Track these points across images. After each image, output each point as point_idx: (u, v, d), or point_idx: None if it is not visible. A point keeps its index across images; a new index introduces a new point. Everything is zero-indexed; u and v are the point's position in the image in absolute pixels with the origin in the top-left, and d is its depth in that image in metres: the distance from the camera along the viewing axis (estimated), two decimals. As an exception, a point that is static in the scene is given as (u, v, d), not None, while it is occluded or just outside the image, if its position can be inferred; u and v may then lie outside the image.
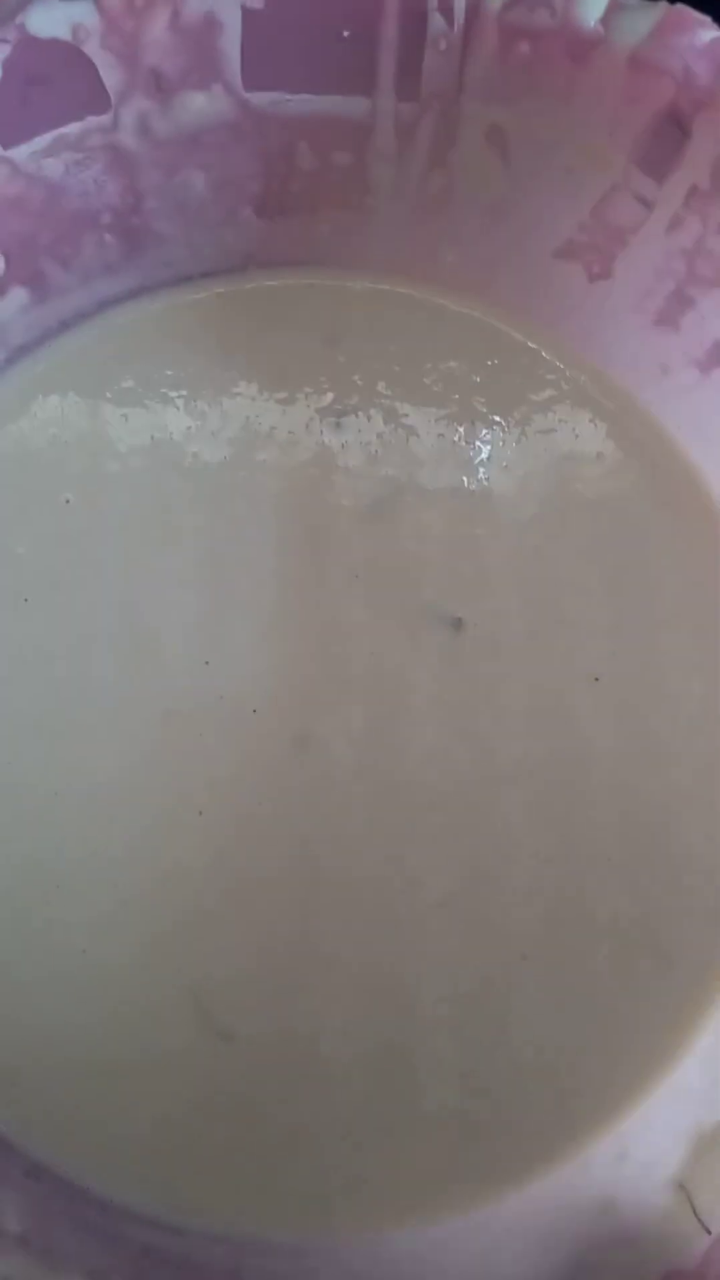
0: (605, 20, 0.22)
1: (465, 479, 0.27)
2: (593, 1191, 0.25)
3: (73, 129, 0.23)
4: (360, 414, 0.27)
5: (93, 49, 0.22)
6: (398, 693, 0.26)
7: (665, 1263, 0.23)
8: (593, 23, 0.22)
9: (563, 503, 0.27)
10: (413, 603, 0.26)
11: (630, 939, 0.25)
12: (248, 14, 0.22)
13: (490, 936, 0.25)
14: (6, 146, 0.22)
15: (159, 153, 0.24)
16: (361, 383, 0.27)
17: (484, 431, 0.27)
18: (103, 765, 0.25)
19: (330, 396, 0.27)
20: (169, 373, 0.27)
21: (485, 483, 0.27)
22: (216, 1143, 0.24)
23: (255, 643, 0.26)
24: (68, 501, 0.26)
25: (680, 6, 0.22)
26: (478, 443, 0.27)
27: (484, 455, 0.27)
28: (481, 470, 0.27)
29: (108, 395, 0.27)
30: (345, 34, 0.22)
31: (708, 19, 0.22)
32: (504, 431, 0.27)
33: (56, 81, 0.22)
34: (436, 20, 0.22)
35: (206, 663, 0.25)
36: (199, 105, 0.23)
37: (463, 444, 0.27)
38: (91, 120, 0.23)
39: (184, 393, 0.27)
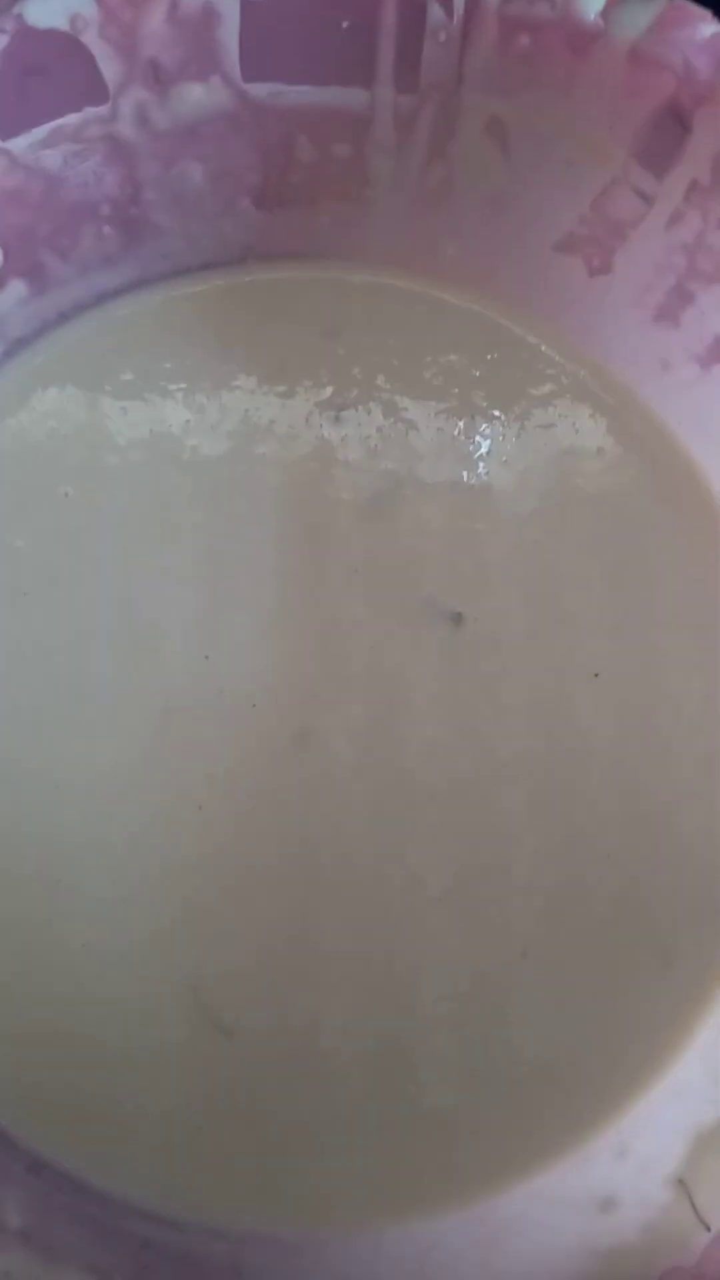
0: (605, 13, 0.22)
1: (465, 473, 0.27)
2: (593, 1188, 0.24)
3: (71, 120, 0.23)
4: (360, 407, 0.27)
5: (91, 39, 0.22)
6: (397, 688, 0.26)
7: (665, 1259, 0.23)
8: (593, 16, 0.22)
9: (563, 498, 0.27)
10: (412, 598, 0.26)
11: (630, 935, 0.25)
12: (246, 5, 0.22)
13: (490, 932, 0.25)
14: (5, 138, 0.22)
15: (157, 144, 0.24)
16: (361, 376, 0.27)
17: (484, 426, 0.27)
18: (102, 760, 0.25)
19: (330, 390, 0.27)
20: (168, 365, 0.27)
21: (485, 477, 0.27)
22: (217, 1138, 0.24)
23: (255, 638, 0.26)
24: (66, 495, 0.26)
25: (681, 1, 0.22)
26: (477, 437, 0.27)
27: (484, 450, 0.27)
28: (481, 465, 0.27)
29: (106, 388, 0.27)
30: (344, 25, 0.22)
31: (708, 13, 0.22)
32: (504, 426, 0.27)
33: (54, 72, 0.22)
34: (436, 11, 0.22)
35: (206, 657, 0.25)
36: (197, 96, 0.23)
37: (462, 438, 0.27)
38: (90, 111, 0.23)
39: (183, 385, 0.27)
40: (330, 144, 0.25)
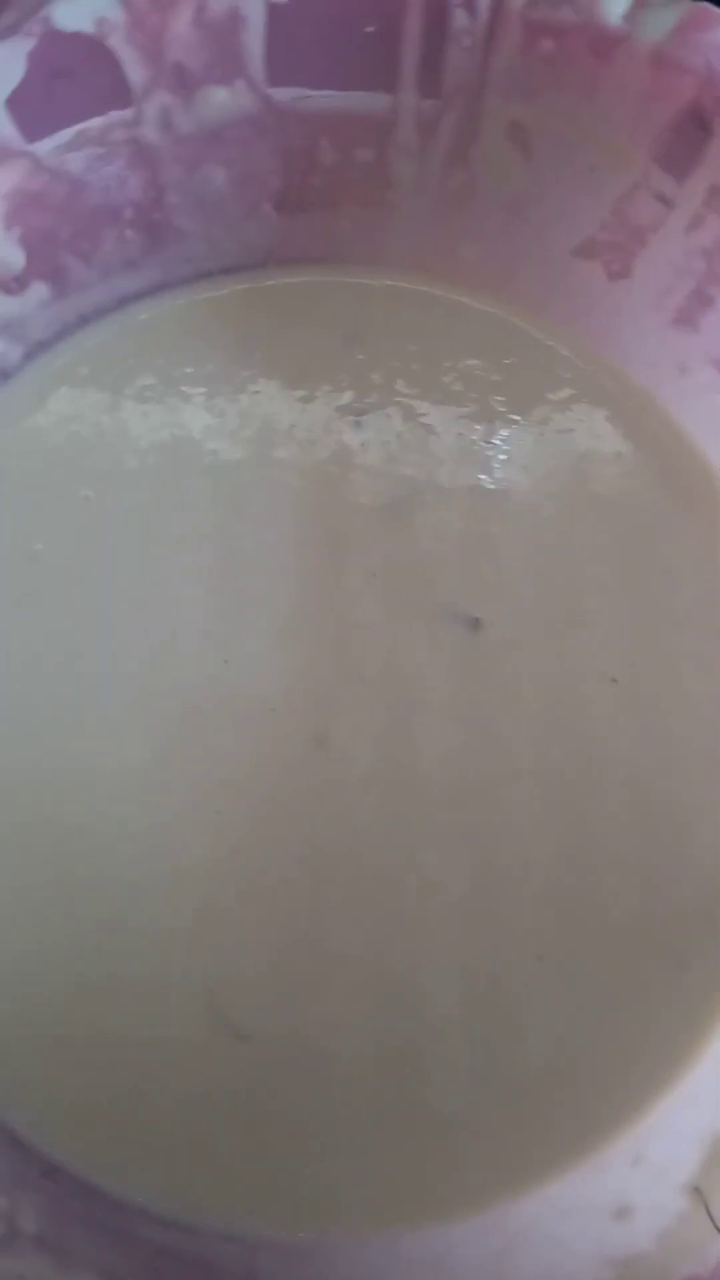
0: (629, 17, 0.22)
1: (483, 478, 0.27)
2: (608, 1195, 0.24)
3: (95, 123, 0.23)
4: (379, 412, 0.27)
5: (117, 43, 0.22)
6: (414, 692, 0.26)
7: (681, 1268, 0.23)
8: (616, 19, 0.22)
9: (581, 502, 0.27)
10: (430, 602, 0.26)
11: (645, 941, 0.25)
12: (271, 9, 0.22)
13: (505, 937, 0.25)
14: (30, 141, 0.22)
15: (181, 148, 0.24)
16: (381, 381, 0.27)
17: (502, 430, 0.27)
18: (120, 763, 0.25)
19: (349, 395, 0.27)
20: (188, 369, 0.27)
21: (503, 482, 0.27)
22: (231, 1143, 0.24)
23: (273, 642, 0.26)
24: (86, 498, 0.26)
25: (704, 4, 0.22)
26: (496, 442, 0.27)
27: (502, 454, 0.27)
28: (499, 469, 0.27)
29: (127, 391, 0.27)
30: (368, 30, 0.22)
31: (731, 15, 0.22)
32: (522, 430, 0.27)
33: (80, 75, 0.22)
34: (459, 16, 0.22)
35: (225, 661, 0.25)
36: (221, 100, 0.23)
37: (481, 443, 0.27)
38: (114, 115, 0.23)
39: (203, 389, 0.27)
40: (353, 148, 0.25)
